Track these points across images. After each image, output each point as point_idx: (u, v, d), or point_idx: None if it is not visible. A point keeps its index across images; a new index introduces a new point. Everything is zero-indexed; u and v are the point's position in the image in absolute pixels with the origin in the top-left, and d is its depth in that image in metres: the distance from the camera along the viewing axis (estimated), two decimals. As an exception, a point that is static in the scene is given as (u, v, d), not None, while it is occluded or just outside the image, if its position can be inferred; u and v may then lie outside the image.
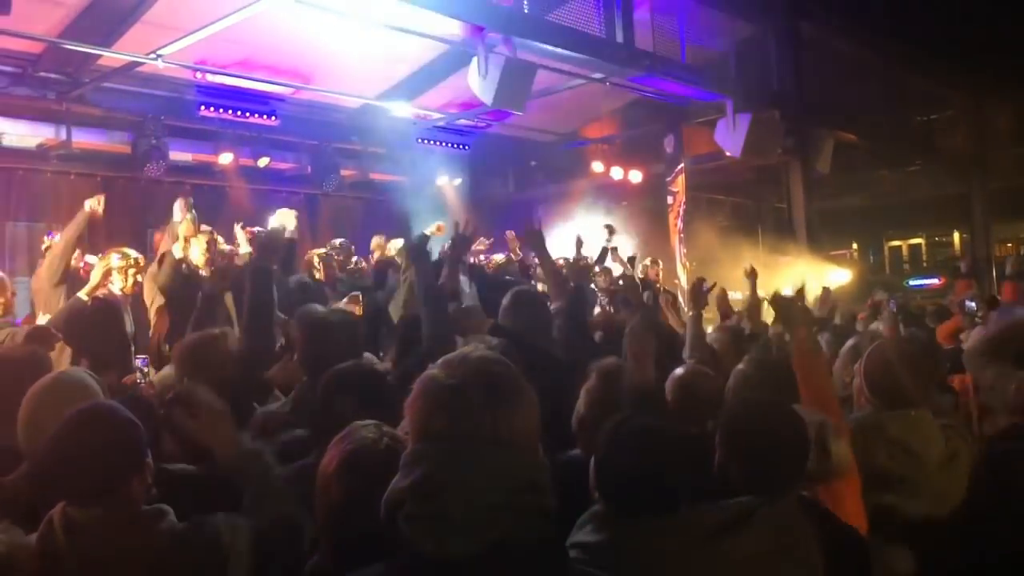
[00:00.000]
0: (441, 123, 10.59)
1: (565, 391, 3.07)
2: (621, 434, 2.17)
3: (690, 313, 4.61)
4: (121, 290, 5.75)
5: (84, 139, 8.64)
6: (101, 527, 2.00)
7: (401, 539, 1.40)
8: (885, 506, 2.75)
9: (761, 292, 5.62)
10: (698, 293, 4.71)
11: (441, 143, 11.05)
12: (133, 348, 5.96)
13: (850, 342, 3.87)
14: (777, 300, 3.38)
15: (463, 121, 10.59)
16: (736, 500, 2.17)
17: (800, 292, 5.47)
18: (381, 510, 1.45)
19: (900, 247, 20.94)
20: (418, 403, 1.48)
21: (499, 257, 8.79)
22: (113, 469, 2.05)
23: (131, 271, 5.80)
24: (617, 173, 11.84)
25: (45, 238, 6.58)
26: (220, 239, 6.71)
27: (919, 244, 20.83)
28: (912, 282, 18.71)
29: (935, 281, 18.53)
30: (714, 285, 5.48)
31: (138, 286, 5.98)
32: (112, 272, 5.67)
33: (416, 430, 1.47)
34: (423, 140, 10.84)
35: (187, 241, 6.16)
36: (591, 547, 2.03)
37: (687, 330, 4.57)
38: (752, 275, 5.79)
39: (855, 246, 19.63)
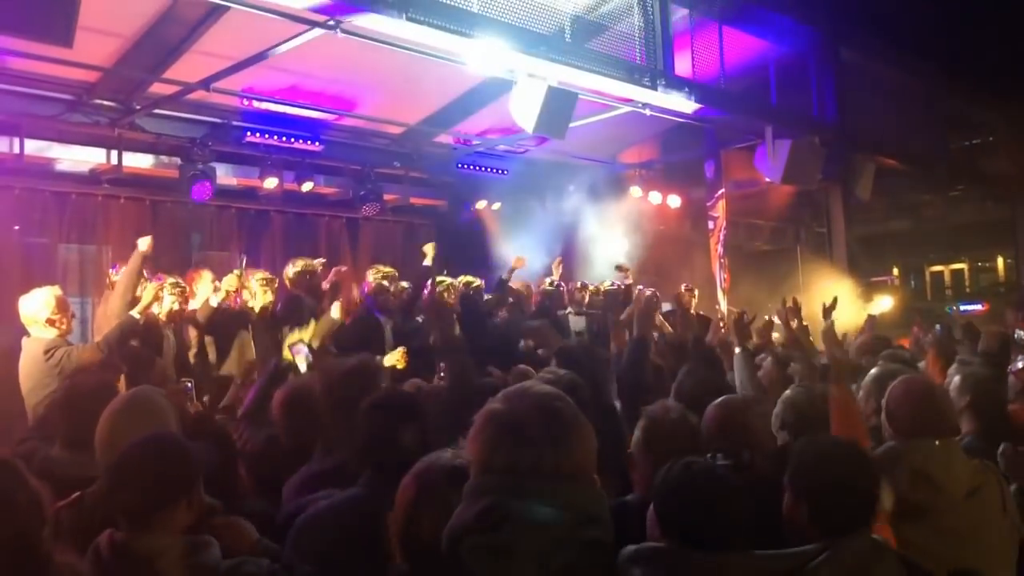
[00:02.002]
0: (481, 148, 10.70)
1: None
2: (676, 476, 2.20)
3: (736, 349, 4.56)
4: (158, 314, 6.19)
5: (134, 164, 8.84)
6: (145, 553, 2.08)
7: (464, 569, 1.44)
8: (901, 533, 2.73)
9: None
10: (740, 327, 4.66)
11: (481, 168, 11.15)
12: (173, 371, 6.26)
13: (873, 372, 3.85)
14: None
15: (503, 146, 10.68)
16: (802, 548, 2.19)
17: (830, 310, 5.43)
18: (443, 539, 1.49)
19: (942, 272, 20.68)
20: (481, 437, 1.53)
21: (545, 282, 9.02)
22: (159, 494, 2.15)
23: (175, 299, 6.19)
24: (656, 198, 11.85)
25: (111, 271, 6.82)
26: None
27: (962, 269, 20.55)
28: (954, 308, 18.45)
29: (979, 307, 18.27)
30: (754, 318, 5.41)
31: (176, 313, 6.39)
32: (161, 297, 5.94)
33: (479, 463, 1.52)
34: (463, 165, 10.96)
35: (228, 294, 6.82)
36: None
37: (735, 367, 4.52)
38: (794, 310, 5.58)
39: (896, 271, 19.41)
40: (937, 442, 2.88)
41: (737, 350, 4.53)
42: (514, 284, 9.13)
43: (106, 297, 6.75)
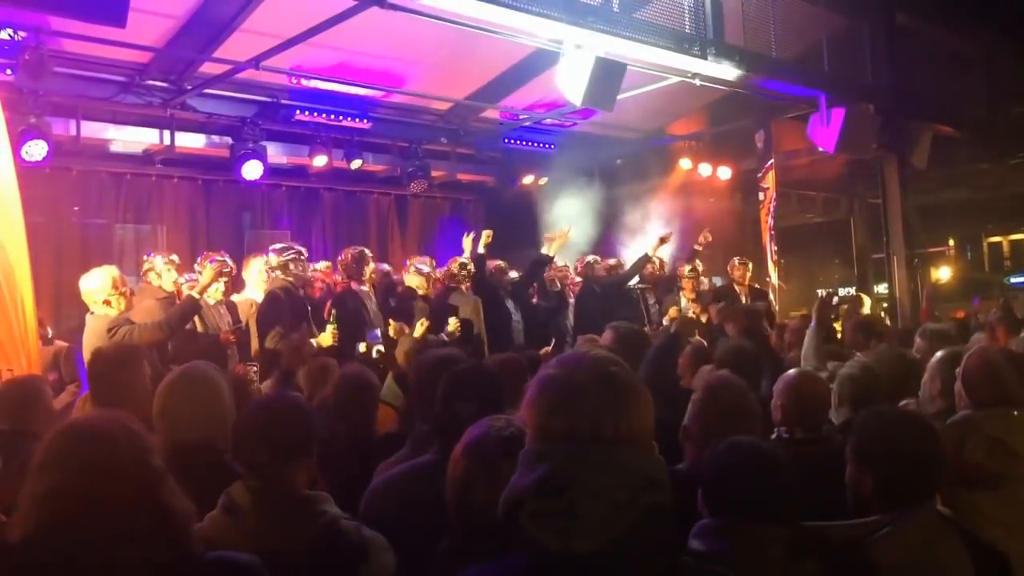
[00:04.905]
0: (527, 123, 10.65)
1: None
2: (726, 452, 2.22)
3: (812, 324, 4.59)
4: (216, 291, 6.36)
5: (186, 144, 8.99)
6: (264, 505, 2.18)
7: (522, 536, 1.43)
8: (976, 503, 2.73)
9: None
10: (826, 308, 4.68)
11: (527, 143, 11.11)
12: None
13: (939, 354, 3.71)
14: None
15: (549, 120, 10.62)
16: (863, 519, 2.17)
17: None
18: (500, 505, 1.49)
19: (1000, 243, 20.09)
20: (537, 403, 1.51)
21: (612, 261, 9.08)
22: (280, 447, 2.25)
23: (225, 280, 6.35)
24: (705, 170, 11.70)
25: (146, 258, 6.86)
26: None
27: (1021, 239, 19.94)
28: (1013, 279, 17.97)
29: (1039, 278, 17.78)
30: (840, 301, 5.43)
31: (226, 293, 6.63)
32: (219, 278, 6.04)
33: (536, 429, 1.49)
34: (510, 140, 10.92)
35: None
36: (701, 557, 2.05)
37: (805, 342, 4.54)
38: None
39: (952, 242, 18.94)
40: (1015, 412, 2.84)
41: (812, 325, 4.56)
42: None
43: (143, 289, 6.72)
